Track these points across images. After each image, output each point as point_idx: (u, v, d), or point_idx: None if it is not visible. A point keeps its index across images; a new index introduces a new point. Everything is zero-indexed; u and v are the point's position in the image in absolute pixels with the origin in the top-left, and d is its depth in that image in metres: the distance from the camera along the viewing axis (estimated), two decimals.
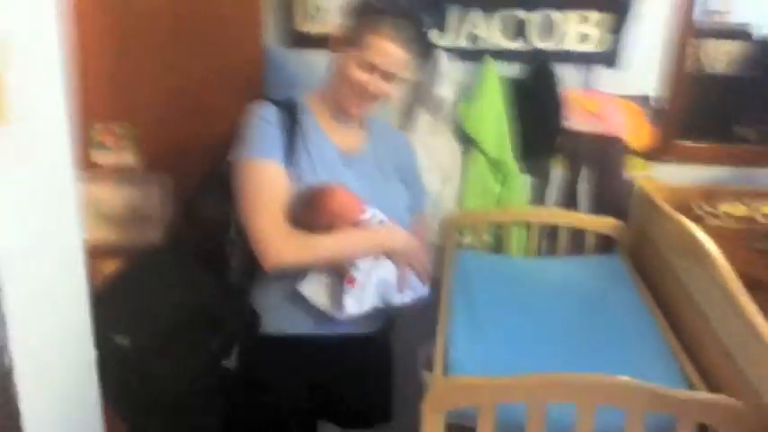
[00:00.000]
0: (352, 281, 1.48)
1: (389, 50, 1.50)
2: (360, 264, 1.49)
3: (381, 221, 1.55)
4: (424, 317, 1.69)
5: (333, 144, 1.62)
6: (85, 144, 2.09)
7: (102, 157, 2.13)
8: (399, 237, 1.55)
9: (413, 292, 1.59)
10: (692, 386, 1.42)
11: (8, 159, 0.92)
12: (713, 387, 1.41)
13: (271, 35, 2.17)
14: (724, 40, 2.50)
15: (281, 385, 1.61)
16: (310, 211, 1.47)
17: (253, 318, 1.57)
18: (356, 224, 1.50)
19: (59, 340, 1.09)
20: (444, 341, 1.54)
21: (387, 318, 1.73)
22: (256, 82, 2.12)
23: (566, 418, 1.21)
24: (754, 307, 1.31)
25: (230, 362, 1.56)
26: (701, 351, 1.53)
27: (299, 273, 1.51)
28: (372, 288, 1.51)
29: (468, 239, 2.15)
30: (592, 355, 1.51)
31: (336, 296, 1.50)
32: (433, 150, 2.10)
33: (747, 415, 1.17)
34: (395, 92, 1.57)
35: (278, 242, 1.45)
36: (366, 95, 1.55)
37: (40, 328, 1.02)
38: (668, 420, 1.22)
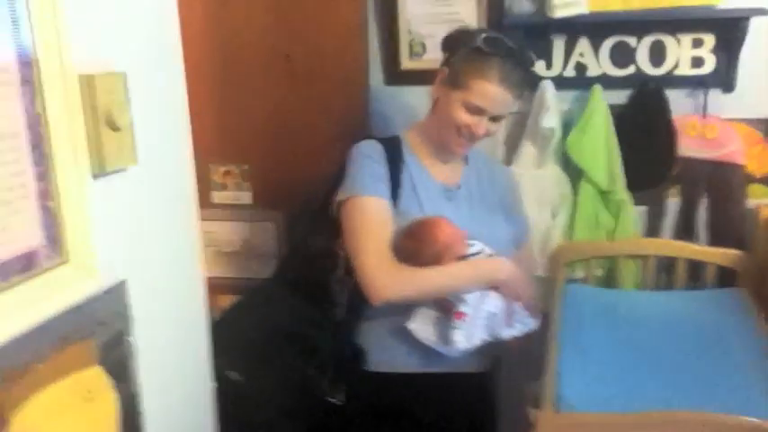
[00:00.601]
0: (460, 315, 1.47)
1: (497, 95, 1.51)
2: (467, 297, 1.48)
3: (489, 255, 1.54)
4: (531, 354, 1.65)
5: (434, 179, 1.63)
6: (206, 185, 2.22)
7: (220, 197, 2.25)
8: (505, 269, 1.54)
9: (522, 325, 1.57)
10: None
11: (137, 199, 0.99)
12: None
13: (376, 73, 2.24)
14: None
15: (385, 421, 1.62)
16: (416, 244, 1.48)
17: (359, 354, 1.59)
18: (462, 257, 1.50)
19: (181, 370, 1.14)
20: (553, 377, 1.50)
21: (494, 355, 1.70)
22: (362, 120, 2.18)
23: None
24: None
25: (339, 398, 1.57)
26: None
27: (405, 308, 1.52)
28: (481, 322, 1.50)
29: (579, 273, 2.09)
30: (707, 393, 1.41)
31: (444, 332, 1.50)
32: (541, 183, 2.07)
33: None
34: (499, 129, 1.59)
35: (384, 276, 1.46)
36: (472, 137, 1.56)
37: (164, 359, 1.08)
38: None
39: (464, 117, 1.53)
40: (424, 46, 2.18)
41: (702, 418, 1.14)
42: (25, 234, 0.77)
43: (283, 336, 1.58)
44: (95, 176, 0.88)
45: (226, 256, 2.27)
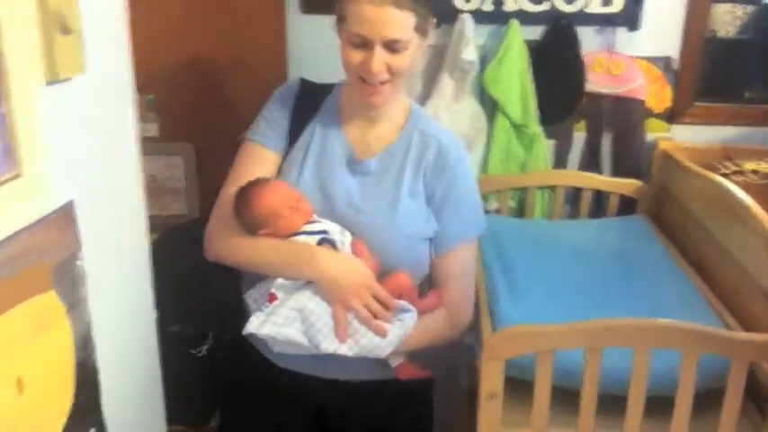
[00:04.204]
0: (272, 297, 1.23)
1: (374, 14, 1.18)
2: (282, 280, 1.24)
3: (328, 241, 1.25)
4: None
5: (345, 141, 1.36)
6: None
7: None
8: (320, 263, 1.22)
9: (358, 346, 1.22)
10: (728, 328, 1.46)
11: (83, 111, 0.91)
12: (750, 329, 1.45)
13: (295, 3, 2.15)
14: (735, 4, 2.51)
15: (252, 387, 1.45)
16: (238, 208, 1.29)
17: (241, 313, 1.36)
18: (293, 233, 1.26)
19: (125, 298, 1.09)
20: (485, 295, 1.56)
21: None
22: (278, 50, 2.11)
23: (620, 362, 1.22)
24: None
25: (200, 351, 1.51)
26: (734, 296, 1.57)
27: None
28: (293, 316, 1.21)
29: (493, 204, 2.16)
30: (627, 306, 1.53)
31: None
32: (459, 116, 2.10)
33: None
34: (405, 62, 1.24)
35: (214, 232, 1.33)
36: (373, 77, 1.23)
37: (109, 285, 1.02)
38: (720, 361, 1.24)
39: (353, 55, 1.23)
40: None
41: (645, 323, 1.21)
42: None
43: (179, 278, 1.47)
44: (48, 84, 0.80)
45: None
